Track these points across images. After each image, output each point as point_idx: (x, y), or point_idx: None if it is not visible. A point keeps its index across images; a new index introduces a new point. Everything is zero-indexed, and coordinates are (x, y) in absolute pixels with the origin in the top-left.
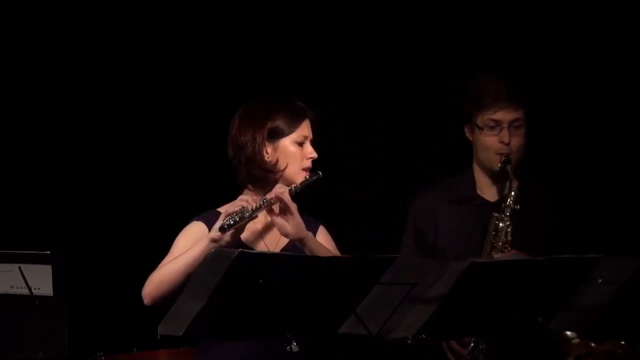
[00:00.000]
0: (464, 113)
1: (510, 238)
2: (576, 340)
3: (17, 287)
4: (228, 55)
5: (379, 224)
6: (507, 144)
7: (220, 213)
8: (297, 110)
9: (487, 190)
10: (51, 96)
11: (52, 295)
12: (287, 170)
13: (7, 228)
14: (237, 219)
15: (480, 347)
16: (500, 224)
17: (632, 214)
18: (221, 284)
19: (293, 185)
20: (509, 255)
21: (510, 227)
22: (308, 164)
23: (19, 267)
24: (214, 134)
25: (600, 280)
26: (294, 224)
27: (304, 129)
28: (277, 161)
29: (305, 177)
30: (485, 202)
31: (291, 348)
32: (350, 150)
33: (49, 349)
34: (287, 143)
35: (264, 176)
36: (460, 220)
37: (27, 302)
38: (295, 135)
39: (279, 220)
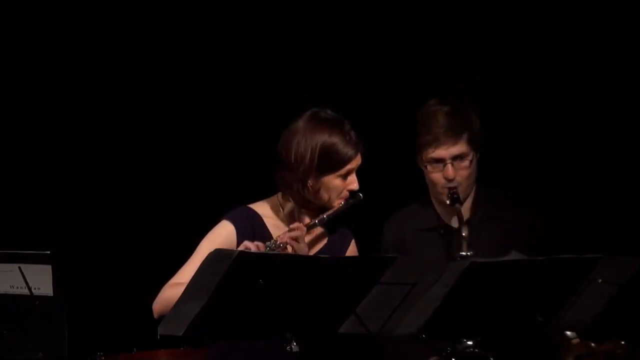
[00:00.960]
0: (416, 146)
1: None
2: (576, 340)
3: (17, 287)
4: (227, 56)
5: (378, 224)
6: (452, 180)
7: (251, 211)
8: (352, 144)
9: (448, 217)
10: (51, 96)
11: (52, 295)
12: (324, 200)
13: (7, 228)
14: None
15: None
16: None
17: (632, 214)
18: (221, 284)
19: (317, 219)
20: (509, 255)
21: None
22: (346, 194)
23: (19, 267)
24: (210, 134)
25: (600, 280)
26: None
27: (352, 165)
28: (317, 192)
29: (340, 204)
30: (448, 229)
31: (291, 348)
32: None
33: (49, 349)
34: (333, 177)
35: (302, 204)
36: (428, 248)
37: (27, 302)
38: (343, 171)
39: None
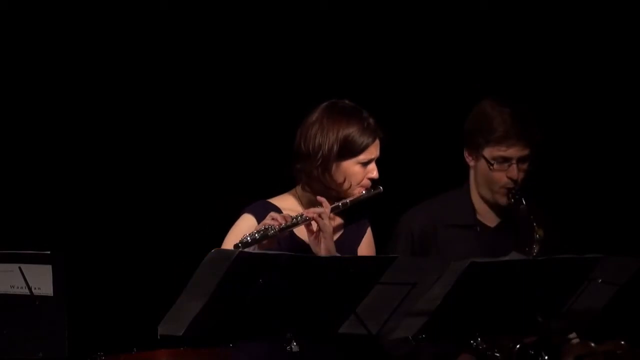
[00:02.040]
0: (468, 138)
1: None
2: (576, 340)
3: (17, 287)
4: (227, 55)
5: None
6: (515, 180)
7: (270, 204)
8: (370, 130)
9: (486, 215)
10: (51, 96)
11: (52, 295)
12: (345, 187)
13: (7, 228)
14: (257, 237)
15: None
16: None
17: (632, 214)
18: (221, 284)
19: (341, 202)
20: (509, 255)
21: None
22: (367, 182)
23: (19, 267)
24: (209, 134)
25: (600, 280)
26: (324, 247)
27: (372, 150)
28: (338, 179)
29: (361, 193)
30: (485, 228)
31: (291, 348)
32: None
33: (49, 349)
34: (352, 163)
35: (324, 191)
36: (461, 245)
37: (27, 302)
38: (362, 157)
39: (312, 239)
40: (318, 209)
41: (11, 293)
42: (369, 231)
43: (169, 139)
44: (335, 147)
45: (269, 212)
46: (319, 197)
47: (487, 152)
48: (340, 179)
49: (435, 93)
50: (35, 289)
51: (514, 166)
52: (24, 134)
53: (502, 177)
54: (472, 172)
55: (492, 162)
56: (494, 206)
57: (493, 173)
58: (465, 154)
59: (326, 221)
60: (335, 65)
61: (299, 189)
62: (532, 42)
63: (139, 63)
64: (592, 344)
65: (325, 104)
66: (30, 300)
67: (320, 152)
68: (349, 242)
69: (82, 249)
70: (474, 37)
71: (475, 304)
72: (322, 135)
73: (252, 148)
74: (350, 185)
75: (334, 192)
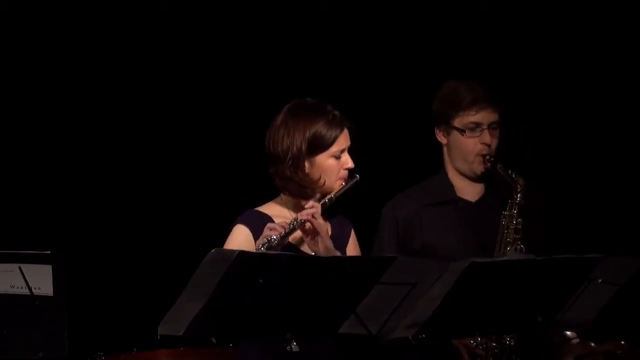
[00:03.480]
0: (437, 116)
1: (521, 235)
2: (576, 340)
3: (17, 287)
4: (226, 56)
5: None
6: (489, 145)
7: (260, 213)
8: (336, 122)
9: (466, 191)
10: (51, 96)
11: (52, 295)
12: (324, 183)
13: (7, 228)
14: (263, 250)
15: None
16: (512, 222)
17: (632, 214)
18: (221, 284)
19: (327, 198)
20: (509, 255)
21: (521, 224)
22: (345, 174)
23: (19, 267)
24: (209, 133)
25: (600, 280)
26: (323, 246)
27: (342, 142)
28: (314, 177)
29: (342, 185)
30: (467, 203)
31: (291, 348)
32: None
33: (49, 349)
34: (325, 158)
35: (301, 191)
36: (444, 222)
37: (27, 302)
38: (333, 149)
39: (309, 240)
40: (310, 210)
41: (11, 293)
42: (353, 232)
43: (169, 139)
44: (303, 146)
45: (262, 220)
46: (307, 204)
47: (458, 121)
48: (316, 176)
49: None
50: (35, 289)
51: (486, 131)
52: (24, 134)
53: (476, 144)
54: (445, 151)
55: (464, 129)
56: (472, 179)
57: (466, 141)
58: (437, 133)
59: (320, 220)
60: (313, 70)
61: (282, 195)
62: (531, 42)
63: (139, 63)
64: (592, 344)
65: (288, 105)
66: (30, 300)
67: (290, 152)
68: (337, 243)
69: (82, 249)
70: (474, 37)
71: (475, 304)
72: (289, 136)
73: (253, 148)
74: (329, 180)
75: (310, 191)
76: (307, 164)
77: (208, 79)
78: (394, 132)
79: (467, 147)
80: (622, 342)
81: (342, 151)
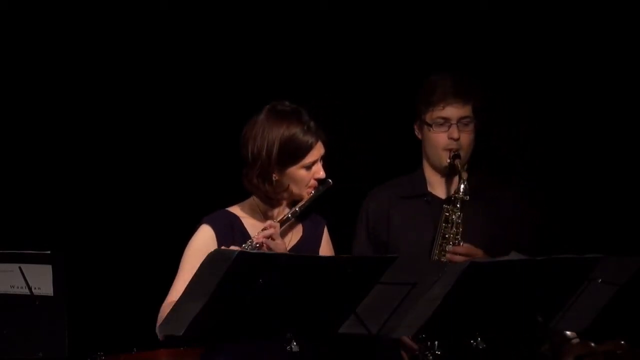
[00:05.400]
0: (416, 112)
1: (461, 229)
2: (576, 340)
3: (17, 287)
4: (226, 56)
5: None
6: (456, 140)
7: (229, 213)
8: (311, 132)
9: (438, 187)
10: (51, 96)
11: (52, 295)
12: (293, 192)
13: (7, 228)
14: None
15: (430, 344)
16: (452, 216)
17: (632, 214)
18: (221, 284)
19: (290, 212)
20: (509, 255)
21: (461, 218)
22: (314, 183)
23: (19, 267)
24: (212, 133)
25: (600, 280)
26: None
27: (315, 154)
28: (283, 185)
29: (310, 194)
30: (435, 199)
31: (291, 348)
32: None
33: (49, 349)
34: (297, 169)
35: (268, 201)
36: (411, 216)
37: (27, 302)
38: (306, 160)
39: None
40: (267, 232)
41: (11, 293)
42: (326, 230)
43: (169, 139)
44: (274, 152)
45: (230, 221)
46: (265, 224)
47: (428, 116)
48: (285, 185)
49: None
50: (35, 289)
51: (454, 126)
52: (23, 134)
53: (444, 138)
54: (422, 147)
55: (432, 124)
56: (443, 174)
57: (434, 135)
58: (415, 130)
59: (277, 241)
60: (313, 70)
61: (255, 196)
62: (531, 42)
63: (139, 64)
64: (592, 344)
65: (265, 107)
66: (30, 300)
67: (260, 159)
68: (309, 244)
69: (82, 249)
70: (474, 37)
71: (475, 304)
72: (262, 140)
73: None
74: (299, 189)
75: (276, 202)
76: (277, 175)
77: (208, 79)
78: (394, 132)
79: (435, 141)
80: (622, 342)
81: (314, 163)
